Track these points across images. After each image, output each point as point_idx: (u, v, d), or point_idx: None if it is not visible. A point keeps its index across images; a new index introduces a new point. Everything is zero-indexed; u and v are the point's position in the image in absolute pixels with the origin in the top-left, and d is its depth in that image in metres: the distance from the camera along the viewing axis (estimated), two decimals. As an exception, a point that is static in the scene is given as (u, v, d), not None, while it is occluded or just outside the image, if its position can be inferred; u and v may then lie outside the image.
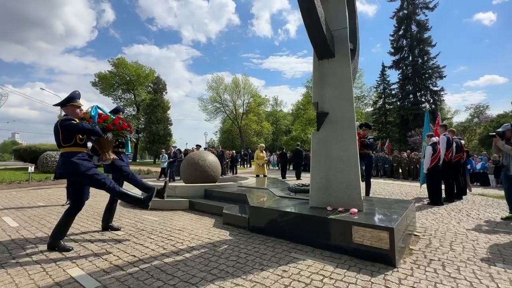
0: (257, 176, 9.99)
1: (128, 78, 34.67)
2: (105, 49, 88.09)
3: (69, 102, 3.11)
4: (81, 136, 3.08)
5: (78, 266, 2.58)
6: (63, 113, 3.19)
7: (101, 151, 3.38)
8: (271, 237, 3.38)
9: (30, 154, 18.23)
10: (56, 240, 3.01)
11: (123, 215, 4.84)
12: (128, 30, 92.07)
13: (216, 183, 6.29)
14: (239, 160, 26.13)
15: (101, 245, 3.17)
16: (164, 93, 36.07)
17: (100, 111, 3.43)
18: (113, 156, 3.43)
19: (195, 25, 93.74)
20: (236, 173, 16.35)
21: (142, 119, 35.66)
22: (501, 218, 4.46)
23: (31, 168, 10.33)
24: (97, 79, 34.40)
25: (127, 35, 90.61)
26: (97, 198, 6.78)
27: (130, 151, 4.22)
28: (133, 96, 36.39)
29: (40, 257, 2.82)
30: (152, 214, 4.86)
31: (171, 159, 11.37)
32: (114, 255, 2.84)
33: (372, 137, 6.21)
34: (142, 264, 2.61)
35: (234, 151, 18.39)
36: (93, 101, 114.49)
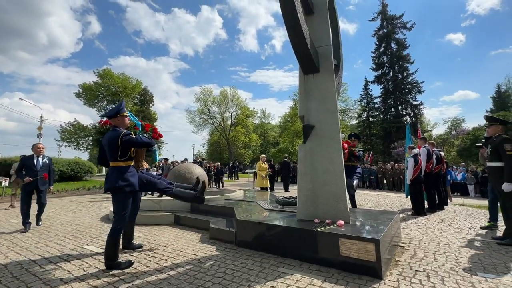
0: (261, 189, 9.30)
1: (114, 89, 34.05)
2: (90, 60, 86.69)
3: (119, 113, 3.01)
4: (133, 150, 3.00)
5: (52, 288, 2.41)
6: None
7: (135, 160, 3.25)
8: (258, 251, 3.32)
9: (5, 168, 17.24)
10: (114, 261, 2.84)
11: (104, 230, 4.61)
12: (114, 42, 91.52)
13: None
14: (227, 172, 25.93)
15: (78, 265, 2.98)
16: (151, 104, 35.66)
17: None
18: (147, 165, 3.40)
19: (183, 38, 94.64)
20: (222, 186, 15.03)
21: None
22: (481, 227, 4.61)
23: (5, 182, 9.74)
24: (81, 90, 33.55)
25: (113, 47, 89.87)
26: (77, 214, 6.46)
27: (157, 160, 4.27)
28: (118, 108, 35.68)
29: (10, 279, 2.62)
30: (135, 230, 4.66)
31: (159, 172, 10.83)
32: (93, 275, 2.68)
33: (361, 148, 6.12)
34: (122, 284, 2.48)
35: (219, 163, 17.23)
36: (76, 112, 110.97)
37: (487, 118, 4.11)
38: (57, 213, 6.45)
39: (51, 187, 5.41)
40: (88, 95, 33.48)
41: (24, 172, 4.85)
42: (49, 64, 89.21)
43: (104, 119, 3.72)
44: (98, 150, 3.23)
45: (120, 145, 2.80)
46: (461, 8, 70.18)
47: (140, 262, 3.03)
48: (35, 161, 4.94)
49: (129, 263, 2.89)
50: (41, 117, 22.61)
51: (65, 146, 31.74)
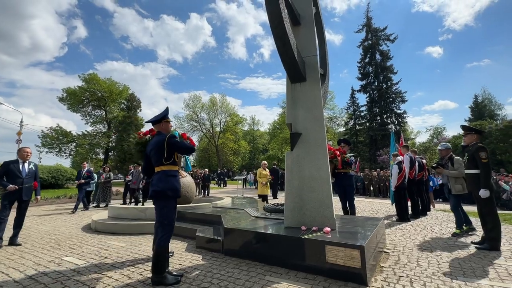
0: (260, 197, 8.60)
1: (99, 94, 33.28)
2: (75, 65, 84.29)
3: (164, 119, 3.03)
4: (177, 154, 2.96)
5: (26, 303, 2.28)
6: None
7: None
8: (245, 260, 3.28)
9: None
10: (162, 274, 2.64)
11: (86, 241, 4.43)
12: (100, 47, 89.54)
13: (190, 204, 6.06)
14: (215, 179, 25.64)
15: (56, 278, 2.84)
16: (138, 110, 35.05)
17: None
18: (184, 174, 3.34)
19: (171, 45, 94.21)
20: (208, 194, 14.31)
21: (113, 136, 34.00)
22: (451, 235, 4.60)
23: None
24: (65, 95, 32.56)
25: (99, 52, 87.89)
26: (56, 223, 6.18)
27: (190, 169, 4.24)
28: (104, 113, 34.83)
29: (-20, 295, 2.46)
30: (118, 239, 4.52)
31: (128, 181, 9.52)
32: (71, 288, 2.56)
33: (352, 154, 5.87)
34: (103, 297, 2.38)
35: (207, 170, 16.70)
36: (58, 117, 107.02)
37: (463, 127, 4.31)
38: (34, 223, 6.14)
39: (39, 197, 4.83)
40: (73, 99, 32.56)
41: (5, 179, 4.24)
42: (31, 67, 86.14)
43: (143, 130, 3.82)
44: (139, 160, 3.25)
45: (166, 147, 2.79)
46: (438, 23, 74.42)
47: (123, 274, 2.92)
48: (20, 166, 4.41)
49: (177, 280, 2.65)
50: (21, 122, 21.68)
51: (46, 152, 30.53)
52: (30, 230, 5.33)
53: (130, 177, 9.27)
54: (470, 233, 4.64)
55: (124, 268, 3.12)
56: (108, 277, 2.84)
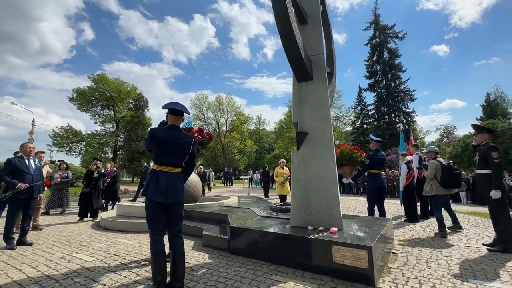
0: (280, 197, 8.34)
1: (108, 94, 33.84)
2: (83, 66, 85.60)
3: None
4: None
5: (38, 298, 2.34)
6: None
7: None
8: (252, 259, 3.29)
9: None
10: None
11: (95, 238, 4.52)
12: (107, 48, 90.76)
13: (197, 203, 6.11)
14: (221, 178, 25.75)
15: (66, 273, 2.91)
16: (146, 110, 35.50)
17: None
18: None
19: (176, 46, 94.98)
20: (203, 194, 12.89)
21: (121, 136, 34.52)
22: (448, 228, 4.90)
23: None
24: (75, 95, 33.23)
25: (105, 53, 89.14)
26: (66, 220, 6.32)
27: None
28: (112, 113, 35.41)
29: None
30: (127, 237, 4.59)
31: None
32: (81, 285, 2.61)
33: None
34: (112, 293, 2.42)
35: (201, 167, 15.59)
36: (68, 117, 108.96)
37: (474, 126, 4.21)
38: (46, 220, 6.29)
39: (42, 194, 4.80)
40: (82, 99, 33.20)
41: (11, 177, 4.03)
42: (42, 68, 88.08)
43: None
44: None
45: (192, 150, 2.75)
46: (444, 22, 72.74)
47: (131, 271, 2.97)
48: (26, 162, 4.24)
49: None
50: (33, 121, 22.25)
51: (57, 151, 31.20)
52: (41, 228, 5.46)
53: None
54: (446, 236, 4.53)
55: (132, 265, 3.17)
56: (117, 273, 2.89)
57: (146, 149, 2.61)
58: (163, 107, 2.58)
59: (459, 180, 4.73)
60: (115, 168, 9.39)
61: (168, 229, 2.53)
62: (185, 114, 2.68)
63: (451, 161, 5.37)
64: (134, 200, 8.59)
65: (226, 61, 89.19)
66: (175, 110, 2.58)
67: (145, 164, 9.77)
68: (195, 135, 4.56)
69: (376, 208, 5.10)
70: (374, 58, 32.49)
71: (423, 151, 5.67)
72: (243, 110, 44.25)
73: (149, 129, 2.77)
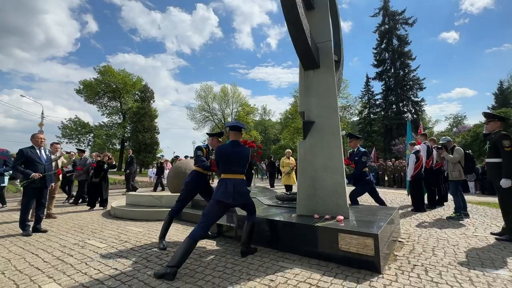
0: (286, 187, 8.26)
1: (114, 86, 34.02)
2: (88, 58, 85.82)
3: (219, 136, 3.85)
4: None
5: (55, 281, 2.45)
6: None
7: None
8: (259, 246, 3.35)
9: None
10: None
11: (106, 226, 4.66)
12: (111, 40, 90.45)
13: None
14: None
15: (80, 259, 3.02)
16: (152, 101, 35.63)
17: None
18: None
19: (179, 37, 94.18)
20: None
21: (128, 127, 34.89)
22: (446, 218, 5.07)
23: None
24: (81, 87, 33.53)
25: (109, 45, 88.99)
26: (78, 209, 6.52)
27: None
28: (119, 104, 35.69)
29: (13, 272, 2.66)
30: (136, 225, 4.71)
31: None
32: (95, 269, 2.72)
33: (364, 149, 5.11)
34: (124, 277, 2.51)
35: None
36: (75, 109, 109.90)
37: (485, 114, 4.10)
38: (58, 209, 6.50)
39: (53, 184, 4.94)
40: (89, 91, 33.48)
41: (23, 166, 4.08)
42: (48, 61, 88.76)
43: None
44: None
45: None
46: (454, 8, 69.75)
47: (142, 257, 3.06)
48: (38, 152, 4.29)
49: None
50: (42, 113, 22.70)
51: (66, 143, 31.83)
52: (54, 216, 5.65)
53: (70, 167, 7.74)
54: (463, 219, 4.92)
55: (142, 251, 3.27)
56: (128, 259, 2.99)
57: (217, 162, 3.14)
58: (225, 126, 3.23)
59: (474, 167, 5.22)
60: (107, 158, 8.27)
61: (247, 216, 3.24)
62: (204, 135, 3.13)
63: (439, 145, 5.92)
64: (154, 190, 10.20)
65: (230, 51, 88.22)
66: (233, 126, 3.15)
67: (131, 154, 10.51)
68: (252, 150, 4.80)
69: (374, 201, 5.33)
70: (383, 46, 31.66)
71: (440, 142, 5.85)
72: (248, 100, 43.92)
73: (216, 148, 3.33)
